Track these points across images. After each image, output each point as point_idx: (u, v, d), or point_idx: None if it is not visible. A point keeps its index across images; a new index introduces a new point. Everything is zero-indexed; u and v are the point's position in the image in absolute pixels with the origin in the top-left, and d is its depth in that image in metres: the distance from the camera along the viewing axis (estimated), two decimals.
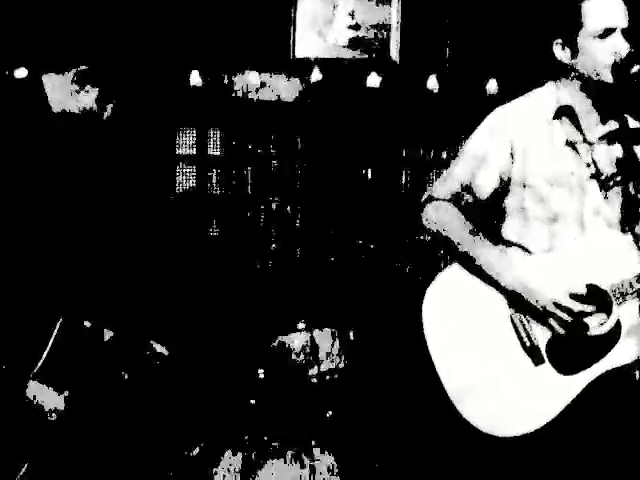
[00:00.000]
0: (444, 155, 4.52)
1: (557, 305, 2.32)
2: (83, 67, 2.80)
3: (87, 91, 2.81)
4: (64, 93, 2.81)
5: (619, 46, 2.32)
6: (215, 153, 4.63)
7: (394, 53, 4.54)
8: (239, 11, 4.47)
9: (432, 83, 4.43)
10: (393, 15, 4.54)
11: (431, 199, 2.53)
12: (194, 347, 3.83)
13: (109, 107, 2.87)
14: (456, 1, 4.48)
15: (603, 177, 2.44)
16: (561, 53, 2.45)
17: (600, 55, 2.35)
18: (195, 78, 4.37)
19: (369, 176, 4.53)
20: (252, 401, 3.64)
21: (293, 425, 3.57)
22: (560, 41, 2.44)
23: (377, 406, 3.66)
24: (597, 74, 2.37)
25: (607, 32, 2.34)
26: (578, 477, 2.40)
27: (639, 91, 2.30)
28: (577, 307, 2.31)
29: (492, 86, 4.41)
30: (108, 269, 3.58)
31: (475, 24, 4.46)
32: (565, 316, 2.32)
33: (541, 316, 2.35)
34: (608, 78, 2.35)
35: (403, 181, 4.59)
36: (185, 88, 4.42)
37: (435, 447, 3.28)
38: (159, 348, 3.14)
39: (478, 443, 2.41)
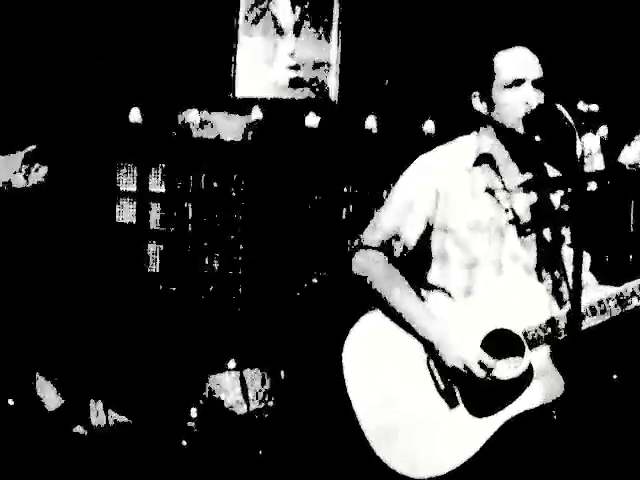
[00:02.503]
0: (384, 193, 4.58)
1: (465, 366, 2.37)
2: (32, 147, 2.81)
3: (37, 170, 2.82)
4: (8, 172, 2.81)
5: (529, 97, 2.39)
6: (156, 190, 4.64)
7: (333, 93, 4.62)
8: (182, 50, 4.52)
9: (370, 123, 4.51)
10: (332, 56, 4.62)
11: (359, 247, 2.57)
12: (128, 386, 3.81)
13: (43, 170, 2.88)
14: (395, 42, 4.57)
15: (521, 223, 2.50)
16: (478, 105, 2.52)
17: (512, 106, 2.42)
18: (135, 115, 4.39)
19: (311, 214, 4.57)
20: (184, 442, 3.63)
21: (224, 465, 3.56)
22: (477, 93, 2.51)
23: (305, 446, 3.67)
24: (511, 124, 2.44)
25: (517, 83, 2.42)
26: None
27: (554, 140, 2.36)
28: (490, 364, 2.36)
29: (429, 126, 4.50)
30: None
31: (413, 65, 4.55)
32: (479, 372, 2.36)
33: (453, 371, 2.41)
34: (520, 129, 2.42)
35: (344, 218, 4.63)
36: (125, 125, 4.44)
37: None
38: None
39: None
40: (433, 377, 2.42)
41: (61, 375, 3.27)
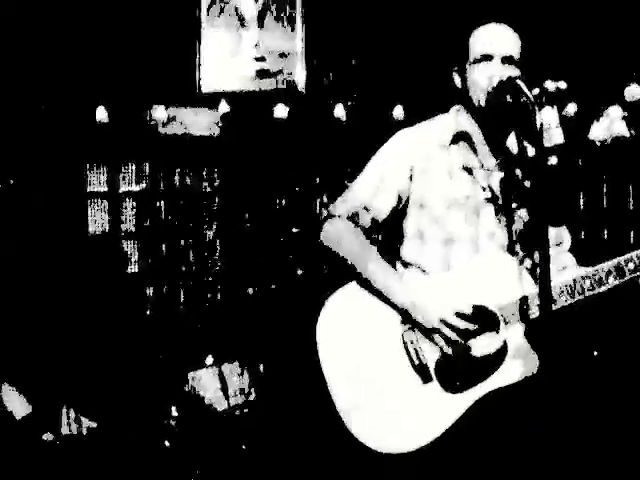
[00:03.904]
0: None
1: (443, 322, 2.35)
2: None
3: None
4: None
5: (493, 73, 2.38)
6: (128, 189, 4.59)
7: (300, 83, 4.59)
8: (145, 46, 4.47)
9: (339, 111, 4.48)
10: (298, 46, 4.59)
11: (330, 217, 2.55)
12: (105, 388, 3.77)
13: None
14: (360, 30, 4.54)
15: (498, 202, 2.49)
16: (457, 80, 2.52)
17: (477, 82, 2.42)
18: (101, 114, 4.34)
19: (284, 205, 4.54)
20: (166, 443, 3.59)
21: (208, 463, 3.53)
22: (456, 68, 2.51)
23: (288, 438, 3.64)
24: (477, 101, 2.43)
25: (485, 58, 2.41)
26: None
27: (519, 115, 2.34)
28: (462, 325, 2.35)
29: (398, 112, 4.48)
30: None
31: (380, 51, 4.53)
32: (450, 333, 2.35)
33: (429, 334, 2.38)
34: (483, 103, 2.41)
35: (318, 208, 4.61)
36: (92, 125, 4.39)
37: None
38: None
39: (370, 460, 2.42)
40: (407, 352, 2.41)
41: (31, 382, 3.22)
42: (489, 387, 2.35)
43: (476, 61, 2.43)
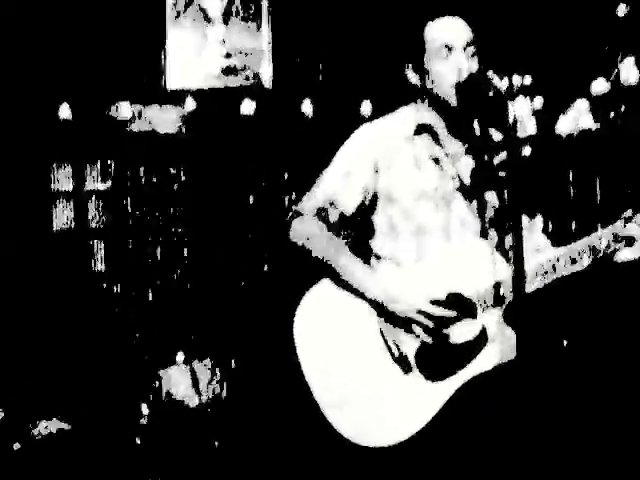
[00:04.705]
0: None
1: (420, 312, 2.35)
2: None
3: None
4: None
5: (459, 65, 2.39)
6: (94, 187, 4.54)
7: (267, 80, 4.57)
8: (110, 43, 4.42)
9: (306, 107, 4.47)
10: (264, 42, 4.58)
11: (297, 214, 2.54)
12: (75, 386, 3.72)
13: None
14: (326, 25, 4.54)
15: (467, 190, 2.50)
16: (413, 76, 2.51)
17: (443, 75, 2.42)
18: (64, 111, 4.28)
19: (252, 202, 4.52)
20: (137, 440, 3.55)
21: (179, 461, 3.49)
22: (410, 65, 2.50)
23: (261, 434, 3.62)
24: (444, 93, 2.44)
25: (447, 50, 2.41)
26: None
27: (487, 107, 2.36)
28: (438, 312, 2.35)
29: (366, 107, 4.48)
30: None
31: (346, 47, 4.53)
32: (427, 322, 2.35)
33: (406, 325, 2.38)
34: (453, 97, 2.42)
35: (286, 204, 4.59)
36: (56, 122, 4.33)
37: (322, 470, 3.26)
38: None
39: (355, 455, 2.41)
40: (386, 343, 2.40)
41: None
42: (471, 373, 2.35)
43: (438, 54, 2.43)
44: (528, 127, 2.53)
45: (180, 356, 3.87)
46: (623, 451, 3.32)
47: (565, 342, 3.69)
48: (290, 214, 2.57)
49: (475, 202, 2.52)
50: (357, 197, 2.51)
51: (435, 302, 2.37)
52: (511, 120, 2.16)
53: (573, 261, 2.34)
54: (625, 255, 2.34)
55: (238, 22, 4.61)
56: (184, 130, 4.50)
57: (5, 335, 3.91)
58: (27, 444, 3.35)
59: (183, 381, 3.77)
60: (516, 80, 3.92)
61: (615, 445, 3.35)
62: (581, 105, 3.90)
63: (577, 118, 3.88)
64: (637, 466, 3.29)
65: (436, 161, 2.50)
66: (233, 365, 3.93)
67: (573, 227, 3.97)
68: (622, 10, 3.95)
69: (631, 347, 3.63)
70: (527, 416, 2.26)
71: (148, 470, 3.43)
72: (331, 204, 2.52)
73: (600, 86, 3.92)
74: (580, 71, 3.98)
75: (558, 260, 2.35)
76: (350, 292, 2.44)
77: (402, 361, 2.39)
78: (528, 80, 3.99)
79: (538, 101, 4.01)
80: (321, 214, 2.52)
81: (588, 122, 3.91)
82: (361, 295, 2.43)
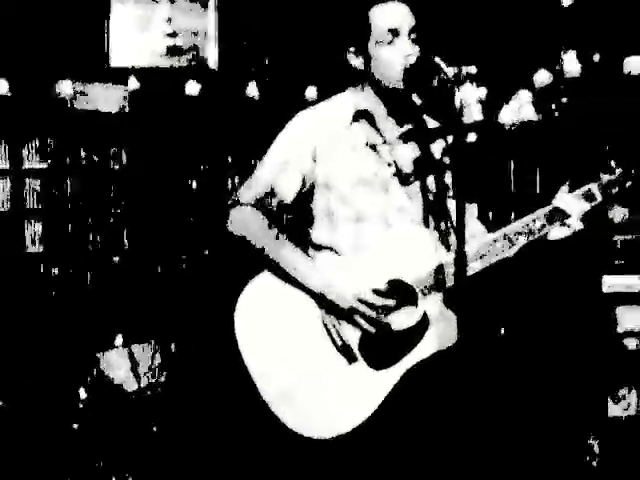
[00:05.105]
0: None
1: (360, 301, 2.36)
2: None
3: None
4: None
5: (407, 50, 2.39)
6: (32, 166, 4.44)
7: (212, 61, 4.53)
8: (53, 19, 4.32)
9: (252, 90, 4.44)
10: (210, 23, 4.53)
11: (236, 204, 2.52)
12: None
13: None
14: (273, 9, 4.51)
15: (404, 176, 2.50)
16: (355, 61, 2.49)
17: (389, 61, 2.41)
18: (2, 87, 4.17)
19: (195, 184, 4.48)
20: (75, 425, 3.48)
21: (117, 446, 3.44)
22: (352, 49, 2.49)
23: (201, 418, 3.60)
24: (388, 78, 2.43)
25: (393, 34, 2.41)
26: (398, 473, 2.44)
27: (433, 93, 2.37)
28: (379, 301, 2.36)
29: (311, 92, 4.48)
30: None
31: (293, 31, 4.51)
32: (369, 311, 2.36)
33: (348, 315, 2.38)
34: (399, 83, 2.41)
35: (230, 187, 4.56)
36: None
37: (261, 456, 3.25)
38: None
39: (299, 446, 2.40)
40: (329, 334, 2.40)
41: None
42: (414, 359, 2.36)
43: (383, 40, 2.42)
44: (474, 113, 2.55)
45: (119, 339, 3.82)
46: (554, 433, 3.39)
47: (502, 329, 3.75)
48: (229, 203, 2.54)
49: (413, 188, 2.52)
50: (296, 185, 2.49)
51: (376, 290, 2.38)
52: (457, 106, 2.17)
53: (510, 242, 2.38)
54: (555, 234, 2.42)
55: (184, 2, 4.55)
56: (127, 109, 4.43)
57: None
58: None
59: (122, 365, 3.72)
60: (464, 68, 3.95)
61: (547, 426, 3.43)
62: (524, 96, 3.95)
63: (519, 108, 3.93)
64: (567, 453, 3.37)
65: (373, 147, 2.50)
66: (173, 349, 3.89)
67: (511, 215, 4.03)
68: (567, 1, 4.00)
69: (564, 328, 3.70)
70: (470, 401, 2.29)
71: (87, 455, 3.38)
72: (270, 193, 2.50)
73: (543, 77, 3.98)
74: (523, 62, 4.03)
75: (495, 241, 2.38)
76: (291, 283, 2.43)
77: (346, 351, 2.39)
78: (473, 69, 4.01)
79: (482, 91, 4.05)
80: (260, 203, 2.50)
81: (530, 113, 3.97)
82: (302, 286, 2.41)
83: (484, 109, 4.00)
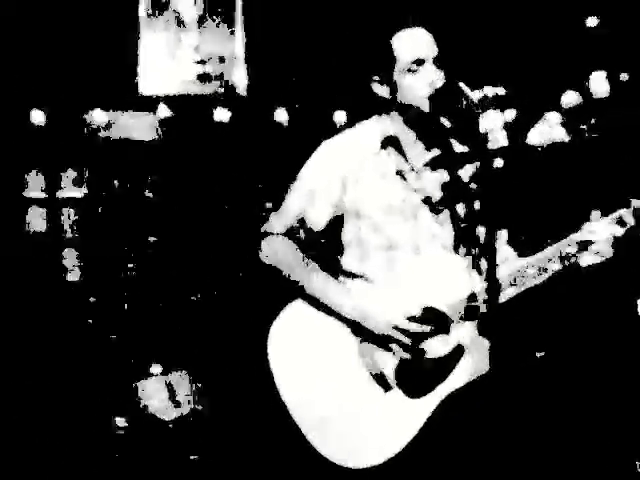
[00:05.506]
0: None
1: (395, 328, 2.37)
2: None
3: None
4: None
5: (432, 77, 2.41)
6: (68, 195, 4.50)
7: (241, 87, 4.57)
8: (83, 48, 4.39)
9: (281, 116, 4.48)
10: (238, 49, 4.57)
11: (267, 234, 2.54)
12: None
13: None
14: (301, 33, 4.54)
15: (433, 202, 2.51)
16: (380, 89, 2.51)
17: (416, 88, 2.43)
18: (37, 117, 4.25)
19: (227, 211, 4.51)
20: (115, 455, 3.51)
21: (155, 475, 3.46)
22: (377, 78, 2.51)
23: (240, 446, 3.60)
24: (416, 106, 2.45)
25: (418, 64, 2.43)
26: None
27: (459, 118, 2.38)
28: (414, 328, 2.37)
29: (340, 117, 4.50)
30: None
31: (321, 55, 4.54)
32: (404, 338, 2.37)
33: (383, 342, 2.39)
34: (426, 109, 2.43)
35: (262, 213, 4.58)
36: (28, 129, 4.29)
37: None
38: None
39: (335, 475, 2.41)
40: (364, 362, 2.40)
41: None
42: (450, 387, 2.36)
43: (408, 68, 2.44)
44: (499, 139, 2.54)
45: (156, 368, 3.84)
46: (596, 462, 3.35)
47: (538, 354, 3.72)
48: (261, 232, 2.57)
49: (443, 214, 2.53)
50: (326, 214, 2.51)
51: (409, 317, 2.39)
52: (482, 132, 2.18)
53: (542, 269, 2.38)
54: (586, 260, 2.39)
55: (212, 28, 4.61)
56: (158, 137, 4.48)
57: None
58: None
59: (159, 394, 3.74)
60: (488, 91, 3.95)
61: (588, 456, 3.38)
62: (553, 117, 3.94)
63: (549, 130, 3.93)
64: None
65: (401, 174, 2.51)
66: (210, 378, 3.90)
67: (544, 239, 4.00)
68: (592, 22, 4.00)
69: (604, 352, 3.67)
70: (505, 430, 2.28)
71: None
72: (300, 222, 2.52)
73: (571, 98, 3.97)
74: (551, 84, 4.02)
75: (527, 268, 2.38)
76: (324, 311, 2.45)
77: (381, 379, 2.39)
78: (501, 91, 4.01)
79: (508, 114, 4.04)
80: (290, 233, 2.52)
81: (560, 134, 3.96)
82: (335, 314, 2.43)
83: (512, 131, 3.99)
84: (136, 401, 3.75)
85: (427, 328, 2.37)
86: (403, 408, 2.37)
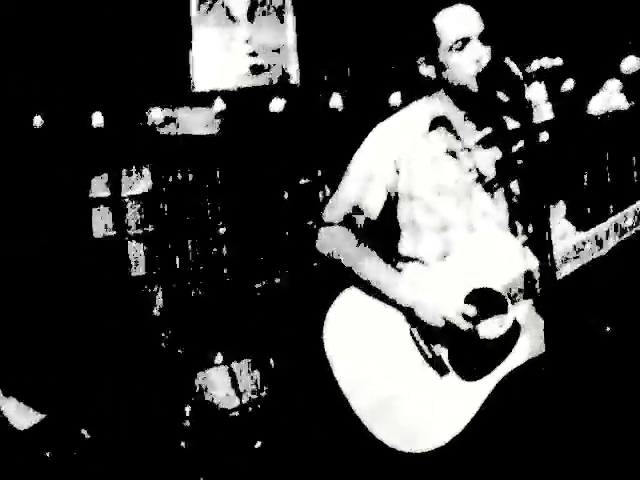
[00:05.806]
0: None
1: (452, 316, 2.34)
2: None
3: None
4: None
5: (478, 54, 2.36)
6: (131, 192, 4.59)
7: (294, 76, 4.57)
8: (136, 48, 4.44)
9: (336, 101, 4.46)
10: (289, 38, 4.57)
11: (323, 224, 2.54)
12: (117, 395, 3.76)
13: None
14: (351, 17, 4.51)
15: (486, 181, 2.47)
16: (426, 70, 2.49)
17: (462, 66, 2.39)
18: (97, 119, 4.33)
19: (288, 199, 4.53)
20: (182, 444, 3.57)
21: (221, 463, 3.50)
22: (423, 59, 2.48)
23: (303, 433, 3.61)
24: (464, 85, 2.41)
25: (463, 42, 2.38)
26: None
27: (506, 94, 2.34)
28: (470, 311, 2.33)
29: (395, 99, 4.45)
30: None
31: (373, 38, 4.50)
32: (460, 321, 2.33)
33: (437, 325, 2.37)
34: (474, 88, 2.38)
35: (322, 200, 4.59)
36: (88, 130, 4.38)
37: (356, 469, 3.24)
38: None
39: (396, 461, 2.40)
40: (419, 347, 2.39)
41: (36, 391, 3.20)
42: (508, 368, 2.33)
43: (454, 46, 2.39)
44: (544, 112, 2.48)
45: (219, 357, 3.89)
46: None
47: (607, 328, 3.62)
48: (316, 225, 2.58)
49: (497, 193, 2.49)
50: (381, 200, 2.50)
51: (464, 299, 2.36)
52: (528, 106, 2.14)
53: (599, 243, 2.31)
54: None
55: (263, 19, 4.61)
56: (215, 131, 4.52)
57: (47, 339, 3.97)
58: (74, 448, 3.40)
59: (222, 383, 3.79)
60: (545, 63, 3.85)
61: None
62: (612, 85, 3.82)
63: (609, 98, 3.81)
64: None
65: (453, 154, 2.48)
66: (272, 365, 3.93)
67: (607, 210, 3.90)
68: None
69: None
70: (564, 410, 2.24)
71: (192, 473, 3.45)
72: (356, 210, 2.52)
73: (631, 64, 3.84)
74: (609, 50, 3.90)
75: (584, 243, 2.31)
76: (379, 298, 2.44)
77: (437, 363, 2.37)
78: (558, 62, 3.91)
79: (569, 83, 3.94)
80: (347, 221, 2.52)
81: (620, 101, 3.84)
82: (390, 300, 2.42)
83: (572, 101, 3.89)
84: (199, 391, 3.80)
85: (482, 310, 2.33)
86: (459, 392, 2.35)
